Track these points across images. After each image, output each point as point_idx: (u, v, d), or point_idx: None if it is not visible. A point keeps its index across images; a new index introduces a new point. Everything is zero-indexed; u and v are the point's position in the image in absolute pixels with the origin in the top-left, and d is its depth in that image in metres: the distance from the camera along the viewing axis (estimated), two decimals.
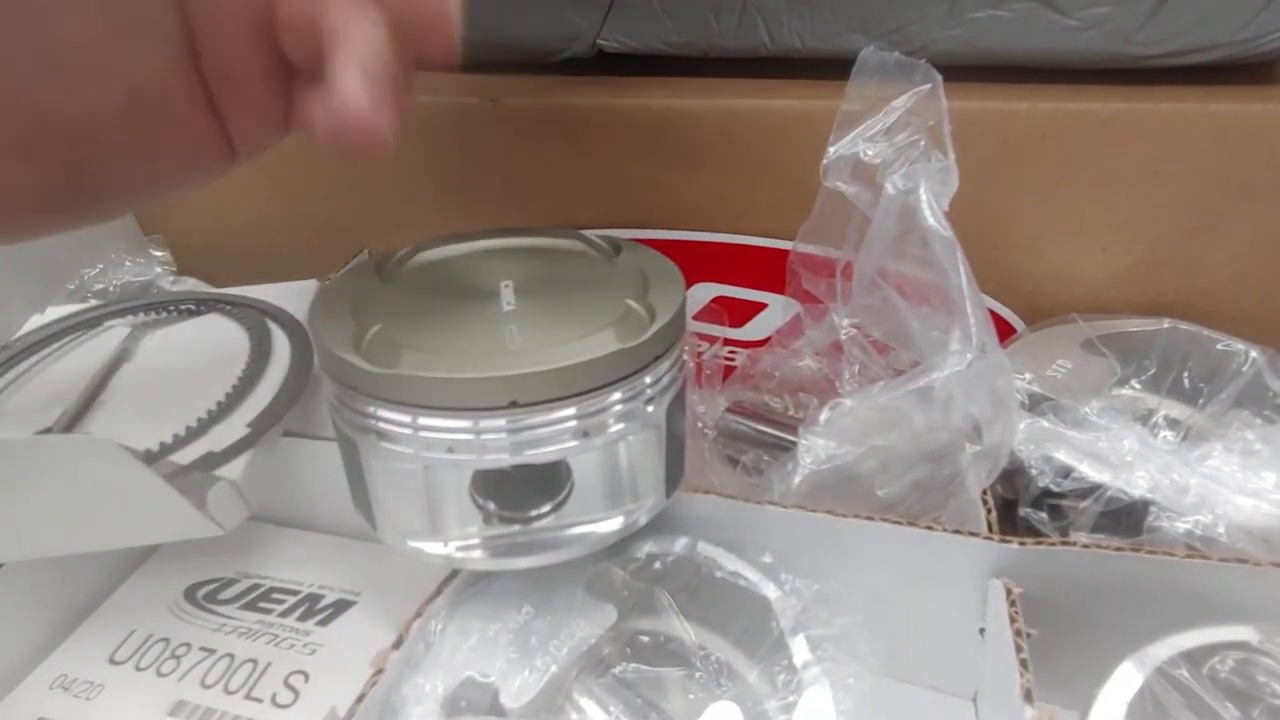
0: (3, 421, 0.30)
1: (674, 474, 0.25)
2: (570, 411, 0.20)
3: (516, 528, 0.23)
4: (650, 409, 0.22)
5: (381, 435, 0.21)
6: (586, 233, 0.27)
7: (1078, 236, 0.35)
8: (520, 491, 0.23)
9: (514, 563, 0.23)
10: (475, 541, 0.23)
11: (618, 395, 0.21)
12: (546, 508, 0.23)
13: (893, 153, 0.27)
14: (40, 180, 0.20)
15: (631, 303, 0.22)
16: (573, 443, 0.21)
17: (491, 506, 0.23)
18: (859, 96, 0.28)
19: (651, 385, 0.21)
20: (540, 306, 0.23)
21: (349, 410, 0.21)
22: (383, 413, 0.20)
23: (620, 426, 0.21)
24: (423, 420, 0.20)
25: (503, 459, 0.20)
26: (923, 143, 0.27)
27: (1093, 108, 0.32)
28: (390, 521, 0.23)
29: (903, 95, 0.27)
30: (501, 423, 0.20)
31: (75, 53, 0.18)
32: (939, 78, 0.26)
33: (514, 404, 0.20)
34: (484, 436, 0.20)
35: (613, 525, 0.23)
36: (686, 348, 0.39)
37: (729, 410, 0.36)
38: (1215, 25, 0.30)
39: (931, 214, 0.25)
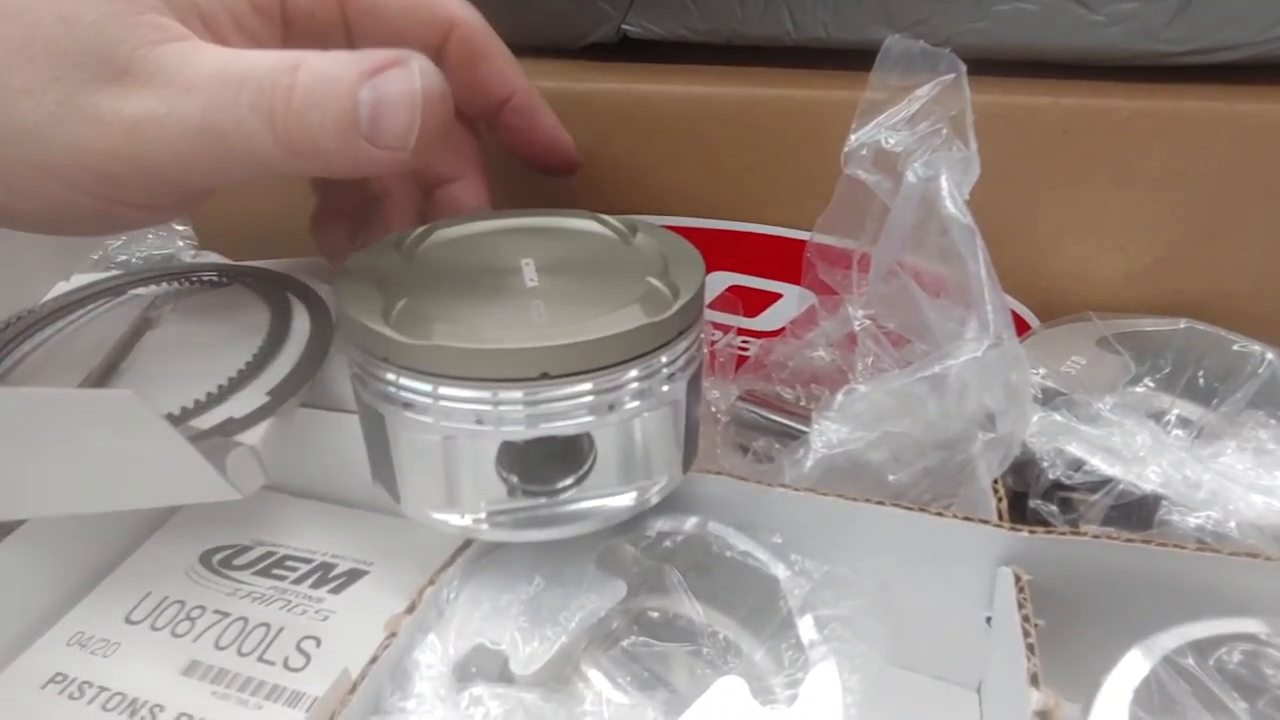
0: (28, 383, 0.30)
1: (689, 453, 0.25)
2: (598, 384, 0.20)
3: (541, 500, 0.23)
4: (671, 385, 0.22)
5: (409, 406, 0.21)
6: (604, 215, 0.27)
7: (1096, 234, 0.35)
8: (543, 464, 0.23)
9: (532, 535, 0.23)
10: (497, 513, 0.23)
11: (644, 369, 0.21)
12: (569, 480, 0.23)
13: (914, 141, 0.27)
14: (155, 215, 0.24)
15: (653, 281, 0.22)
16: (597, 416, 0.21)
17: (514, 479, 0.23)
18: (882, 85, 0.28)
19: (674, 361, 0.22)
20: (563, 283, 0.23)
21: (377, 382, 0.22)
22: (412, 384, 0.21)
23: (642, 401, 0.21)
24: (452, 391, 0.20)
25: (530, 430, 0.21)
26: (945, 132, 0.27)
27: (1116, 104, 0.32)
28: (414, 493, 0.23)
29: (926, 84, 0.27)
30: (531, 394, 0.20)
31: None
32: (963, 67, 0.27)
33: (545, 375, 0.20)
34: (512, 408, 0.20)
35: (629, 500, 0.23)
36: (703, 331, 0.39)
37: (741, 398, 0.36)
38: (1242, 24, 0.30)
39: (952, 201, 0.25)
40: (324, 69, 0.20)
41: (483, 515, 0.23)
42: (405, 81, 0.21)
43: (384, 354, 0.21)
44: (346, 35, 0.24)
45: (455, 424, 0.21)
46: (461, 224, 0.27)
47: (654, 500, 0.24)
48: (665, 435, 0.23)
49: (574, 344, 0.20)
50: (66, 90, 0.19)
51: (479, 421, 0.20)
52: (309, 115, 0.20)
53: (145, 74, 0.19)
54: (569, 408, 0.20)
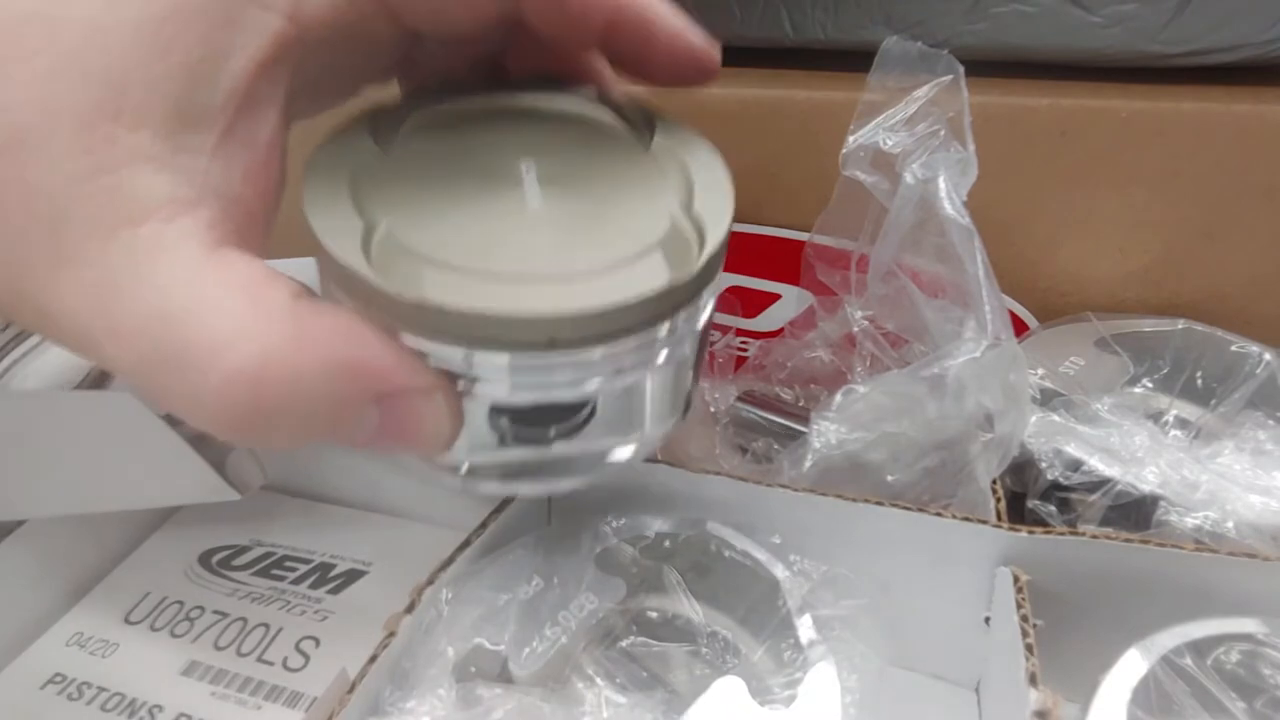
0: (28, 384, 0.30)
1: (690, 400, 0.23)
2: (612, 349, 0.18)
3: (537, 450, 0.21)
4: (685, 342, 0.20)
5: None
6: (612, 97, 0.22)
7: (1095, 235, 0.35)
8: (539, 414, 0.22)
9: (521, 487, 0.22)
10: (487, 464, 0.21)
11: (663, 330, 0.19)
12: (564, 432, 0.21)
13: (913, 143, 0.27)
14: None
15: (676, 212, 0.19)
16: (604, 379, 0.19)
17: (505, 423, 0.20)
18: (881, 86, 0.28)
19: (694, 316, 0.19)
20: (571, 206, 0.20)
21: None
22: (401, 335, 0.18)
23: (654, 361, 0.19)
24: (443, 350, 0.18)
25: (528, 396, 0.19)
26: (943, 133, 0.27)
27: (1114, 106, 0.32)
28: None
29: (924, 86, 0.27)
30: (535, 359, 0.18)
31: None
32: (961, 69, 0.27)
33: (553, 344, 0.18)
34: (510, 373, 0.18)
35: (627, 452, 0.22)
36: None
37: (740, 399, 0.36)
38: (1239, 26, 0.30)
39: (950, 203, 0.26)
40: (297, 376, 0.15)
41: (471, 466, 0.20)
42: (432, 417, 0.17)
43: (365, 298, 0.17)
44: (388, 15, 0.19)
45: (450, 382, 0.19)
46: (446, 99, 0.22)
47: (649, 452, 0.22)
48: (670, 389, 0.21)
49: (589, 314, 0.17)
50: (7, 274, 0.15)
51: (476, 382, 0.18)
52: (269, 423, 0.15)
53: (79, 280, 0.15)
54: (575, 376, 0.18)
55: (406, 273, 0.17)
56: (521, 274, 0.18)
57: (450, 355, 0.18)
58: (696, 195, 0.20)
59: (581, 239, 0.19)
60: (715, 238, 0.18)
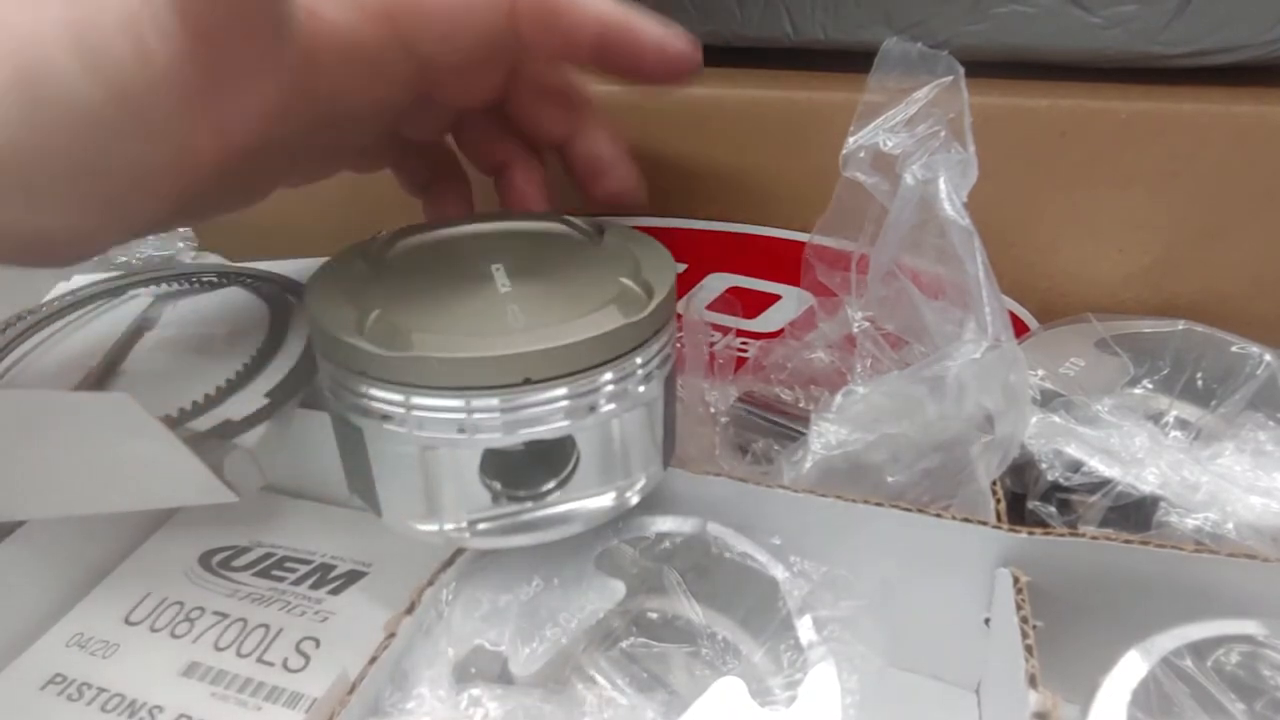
0: (28, 384, 0.30)
1: (668, 450, 0.25)
2: (579, 387, 0.20)
3: (525, 504, 0.23)
4: (650, 384, 0.22)
5: (389, 419, 0.21)
6: (570, 216, 0.27)
7: (1095, 236, 0.35)
8: (524, 469, 0.23)
9: (516, 540, 0.23)
10: (480, 520, 0.23)
11: (624, 370, 0.21)
12: (553, 484, 0.23)
13: (913, 144, 0.27)
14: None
15: (626, 281, 0.22)
16: (577, 419, 0.21)
17: (498, 485, 0.23)
18: (881, 87, 0.28)
19: (652, 360, 0.22)
20: (536, 287, 0.23)
21: (353, 396, 0.21)
22: (393, 396, 0.20)
23: (623, 401, 0.21)
24: (434, 401, 0.20)
25: (511, 437, 0.21)
26: (943, 134, 0.27)
27: (1114, 106, 0.32)
28: (395, 505, 0.23)
29: (924, 86, 0.27)
30: (513, 400, 0.20)
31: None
32: (961, 69, 0.27)
33: (528, 381, 0.20)
34: (494, 415, 0.20)
35: (610, 500, 0.23)
36: (700, 334, 0.39)
37: (740, 400, 0.36)
38: (1241, 27, 0.30)
39: (950, 204, 0.26)
40: None
41: (465, 524, 0.22)
42: None
43: (361, 368, 0.20)
44: (399, 44, 0.20)
45: (437, 434, 0.20)
46: (427, 231, 0.26)
47: (635, 500, 0.24)
48: (645, 434, 0.23)
49: (556, 348, 0.20)
50: None
51: (461, 430, 0.20)
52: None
53: None
54: (550, 412, 0.20)
55: (398, 340, 0.20)
56: (497, 331, 0.21)
57: (438, 403, 0.20)
58: (643, 268, 0.23)
59: (545, 305, 0.22)
60: (662, 291, 0.22)
